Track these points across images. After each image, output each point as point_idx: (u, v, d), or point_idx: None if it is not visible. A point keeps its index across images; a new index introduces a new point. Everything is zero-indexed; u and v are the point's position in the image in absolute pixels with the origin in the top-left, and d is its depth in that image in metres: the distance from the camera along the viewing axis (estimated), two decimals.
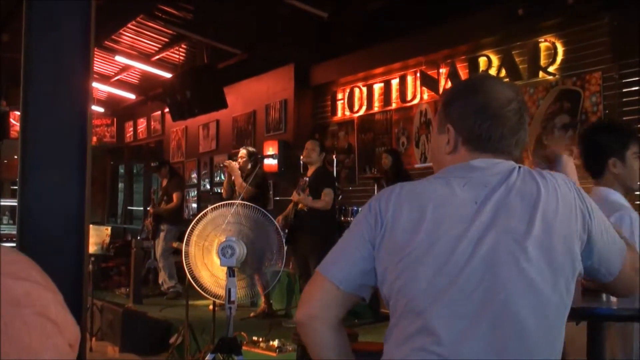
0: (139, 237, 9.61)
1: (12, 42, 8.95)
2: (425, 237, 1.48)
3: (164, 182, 9.41)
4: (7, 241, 8.91)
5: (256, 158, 7.41)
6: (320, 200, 6.53)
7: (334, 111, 10.24)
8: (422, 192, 1.55)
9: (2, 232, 10.58)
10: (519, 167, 1.56)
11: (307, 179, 6.44)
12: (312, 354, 1.63)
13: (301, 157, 6.86)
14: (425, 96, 8.69)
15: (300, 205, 6.57)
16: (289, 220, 6.61)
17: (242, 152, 7.59)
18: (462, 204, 1.50)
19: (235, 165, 7.26)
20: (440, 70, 8.45)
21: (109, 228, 7.66)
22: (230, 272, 3.56)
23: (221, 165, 8.12)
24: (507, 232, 1.45)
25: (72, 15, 2.50)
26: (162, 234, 8.98)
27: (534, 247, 1.44)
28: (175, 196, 9.12)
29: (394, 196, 1.58)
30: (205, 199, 11.89)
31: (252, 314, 7.29)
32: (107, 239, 7.43)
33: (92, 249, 6.94)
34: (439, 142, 1.66)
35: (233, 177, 7.23)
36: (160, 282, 9.11)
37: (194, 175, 13.60)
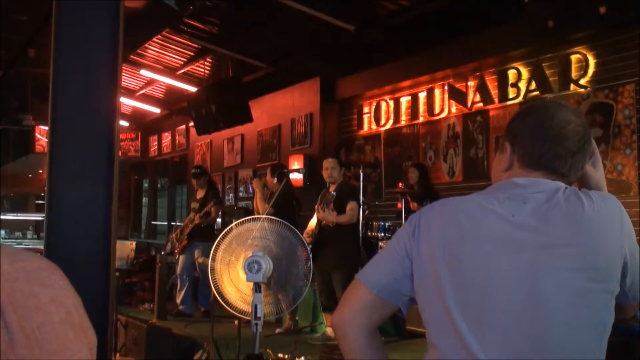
0: (163, 252, 9.63)
1: (38, 57, 9.12)
2: (459, 251, 1.50)
3: (200, 194, 9.09)
4: None
5: (281, 173, 7.36)
6: (344, 215, 6.54)
7: (360, 125, 10.26)
8: (461, 206, 1.58)
9: (26, 246, 10.71)
10: (566, 188, 1.57)
11: (334, 193, 6.44)
12: (345, 358, 1.67)
13: (324, 176, 6.86)
14: (454, 109, 8.68)
15: (324, 221, 6.58)
16: (313, 235, 6.61)
17: (268, 169, 7.68)
18: (499, 220, 1.51)
19: (258, 183, 7.30)
20: (469, 83, 8.44)
21: (134, 243, 7.72)
22: (257, 288, 3.58)
23: (250, 182, 8.10)
24: (545, 248, 1.46)
25: (101, 31, 2.55)
26: (196, 251, 8.58)
27: (574, 265, 1.45)
28: (214, 210, 8.83)
29: (434, 210, 1.63)
30: (230, 214, 11.94)
31: (277, 331, 7.30)
32: (132, 254, 7.48)
33: (116, 263, 7.00)
34: (499, 160, 1.70)
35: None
36: (178, 300, 8.84)
37: (219, 189, 13.68)
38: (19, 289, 0.98)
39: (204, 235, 8.65)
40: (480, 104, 8.27)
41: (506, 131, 1.70)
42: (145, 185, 18.27)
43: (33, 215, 13.42)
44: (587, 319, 1.46)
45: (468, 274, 1.48)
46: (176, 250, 8.93)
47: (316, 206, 6.67)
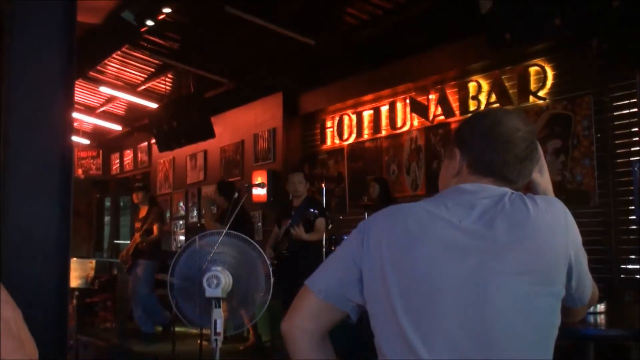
0: (123, 272, 9.54)
1: None
2: (406, 257, 1.52)
3: (143, 212, 9.04)
4: None
5: (230, 192, 7.27)
6: (315, 233, 6.53)
7: (323, 139, 10.30)
8: (409, 213, 1.60)
9: None
10: (512, 193, 1.60)
11: (315, 211, 6.41)
12: None
13: (288, 191, 6.87)
14: (416, 123, 8.76)
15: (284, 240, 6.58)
16: (282, 250, 6.57)
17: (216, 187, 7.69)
18: (446, 225, 1.54)
19: (205, 202, 7.29)
20: (430, 97, 8.53)
21: (94, 261, 7.62)
22: (216, 303, 3.57)
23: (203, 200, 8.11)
24: (491, 253, 1.49)
25: (53, 46, 2.54)
26: (138, 269, 8.63)
27: (519, 269, 1.48)
28: (156, 228, 8.79)
29: (382, 217, 1.65)
30: (193, 231, 11.85)
31: (241, 347, 7.26)
32: (92, 273, 7.39)
33: (76, 282, 6.91)
34: (447, 166, 1.72)
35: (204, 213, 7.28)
36: (136, 320, 8.73)
37: (182, 206, 13.60)
38: None
39: (147, 254, 8.65)
40: (442, 117, 8.36)
41: (455, 137, 1.73)
42: (108, 203, 18.08)
43: None
44: (533, 322, 1.49)
45: (415, 279, 1.50)
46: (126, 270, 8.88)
47: (283, 223, 6.67)
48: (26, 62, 2.55)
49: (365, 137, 9.54)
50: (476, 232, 1.52)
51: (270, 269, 3.82)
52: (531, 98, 7.33)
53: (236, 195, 6.23)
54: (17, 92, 2.57)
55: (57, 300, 2.78)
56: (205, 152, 12.67)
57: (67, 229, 2.77)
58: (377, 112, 9.34)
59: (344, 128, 9.87)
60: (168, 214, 13.59)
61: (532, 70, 7.33)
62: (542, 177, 1.78)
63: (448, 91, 8.29)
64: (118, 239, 17.06)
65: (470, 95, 7.98)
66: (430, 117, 8.50)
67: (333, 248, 7.48)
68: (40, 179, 2.70)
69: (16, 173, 2.69)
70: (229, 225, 6.55)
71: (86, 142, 15.97)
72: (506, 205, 1.55)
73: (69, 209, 2.78)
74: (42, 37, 2.61)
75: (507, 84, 7.59)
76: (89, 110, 13.79)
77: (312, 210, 6.40)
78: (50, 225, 2.71)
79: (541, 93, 7.23)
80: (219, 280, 3.55)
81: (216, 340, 3.48)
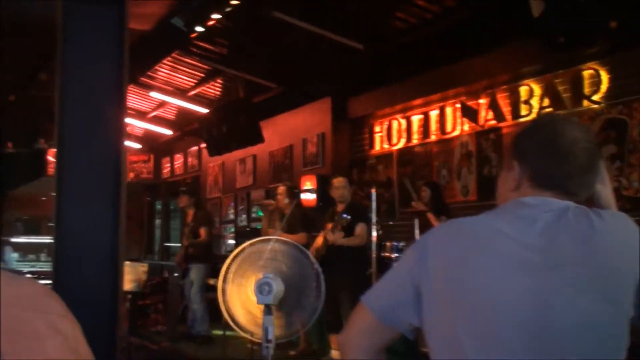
0: (175, 274, 9.65)
1: (50, 81, 9.20)
2: (467, 274, 1.47)
3: (190, 216, 9.13)
4: (44, 278, 9.05)
5: (294, 193, 7.40)
6: (355, 237, 6.53)
7: (372, 144, 10.26)
8: (469, 227, 1.55)
9: (40, 269, 10.75)
10: (575, 207, 1.54)
11: (347, 217, 6.42)
12: None
13: (332, 196, 6.89)
14: (466, 127, 8.66)
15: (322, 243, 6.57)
16: (320, 254, 6.57)
17: (280, 188, 7.67)
18: (508, 240, 1.49)
19: (270, 205, 7.33)
20: (481, 101, 8.43)
21: (146, 265, 7.73)
22: (268, 310, 3.56)
23: (261, 203, 8.12)
24: (554, 269, 1.43)
25: (106, 55, 2.58)
26: (191, 274, 8.77)
27: (584, 286, 1.42)
28: (202, 232, 8.86)
29: (440, 232, 1.61)
30: (242, 235, 11.94)
31: (291, 353, 7.26)
32: (144, 276, 7.50)
33: (128, 286, 7.02)
34: (505, 179, 1.67)
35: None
36: (188, 323, 8.92)
37: (231, 210, 13.69)
38: (12, 316, 0.96)
39: (198, 257, 8.76)
40: (493, 122, 8.25)
41: (513, 148, 1.67)
42: (158, 206, 18.31)
43: (46, 237, 13.45)
44: (599, 343, 1.42)
45: (475, 296, 1.45)
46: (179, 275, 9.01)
47: (326, 227, 6.67)
48: (80, 70, 2.59)
49: (415, 141, 9.47)
50: (538, 247, 1.46)
51: (322, 277, 3.81)
52: (585, 102, 7.18)
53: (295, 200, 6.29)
54: (71, 99, 2.62)
55: (110, 304, 2.82)
56: (255, 157, 12.75)
57: (121, 233, 2.81)
58: (426, 116, 9.27)
59: (393, 133, 9.82)
60: (217, 218, 13.69)
61: (586, 73, 7.18)
62: (605, 188, 1.71)
63: (499, 95, 8.18)
64: (168, 242, 17.27)
65: (522, 99, 7.86)
66: (481, 122, 8.40)
67: (383, 254, 7.44)
68: (94, 184, 2.74)
69: (71, 179, 2.74)
70: (287, 228, 6.64)
71: (138, 146, 16.23)
72: (570, 219, 1.49)
73: (122, 214, 2.81)
74: (95, 45, 2.65)
75: (560, 88, 7.45)
76: (140, 115, 14.00)
77: (344, 215, 6.41)
78: (103, 230, 2.75)
79: (595, 97, 7.08)
80: (271, 287, 3.55)
81: (267, 347, 3.48)
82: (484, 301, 1.44)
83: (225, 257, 9.76)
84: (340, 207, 6.78)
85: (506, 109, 8.08)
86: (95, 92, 2.63)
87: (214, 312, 8.58)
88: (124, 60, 2.59)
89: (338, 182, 6.83)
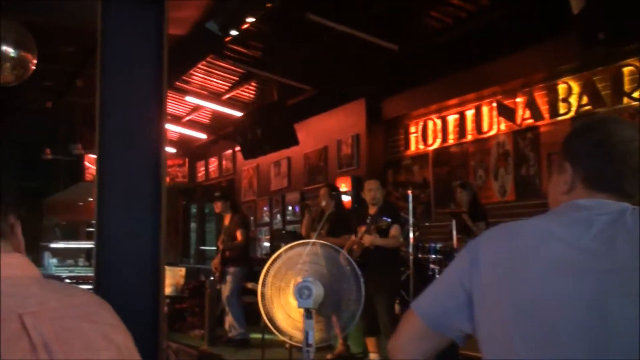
0: (211, 278, 9.67)
1: (86, 88, 9.31)
2: (520, 278, 1.43)
3: (226, 220, 9.12)
4: (82, 283, 9.14)
5: (334, 195, 7.41)
6: (391, 239, 6.52)
7: (407, 145, 10.21)
8: (522, 231, 1.51)
9: (78, 274, 10.86)
10: (633, 208, 1.49)
11: (389, 219, 6.41)
12: None
13: (365, 198, 6.88)
14: (503, 127, 8.57)
15: (355, 245, 6.54)
16: (355, 257, 6.54)
17: (322, 190, 7.70)
18: (562, 244, 1.44)
19: (314, 205, 7.34)
20: (518, 100, 8.33)
21: (184, 269, 7.77)
22: (308, 314, 3.55)
23: (306, 204, 8.13)
24: (612, 273, 1.39)
25: (146, 60, 2.57)
26: (228, 277, 8.75)
27: None
28: (239, 234, 8.82)
29: (493, 236, 1.57)
30: (277, 238, 11.95)
31: (329, 356, 7.24)
32: (182, 280, 7.53)
33: (167, 290, 7.06)
34: (557, 181, 1.62)
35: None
36: (227, 327, 8.92)
37: (266, 213, 13.72)
38: (66, 327, 0.96)
39: (235, 260, 8.75)
40: (530, 121, 8.15)
41: (564, 150, 1.62)
42: (194, 210, 18.43)
43: (84, 242, 13.61)
44: None
45: (530, 302, 1.41)
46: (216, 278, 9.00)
47: (359, 230, 6.67)
48: (120, 74, 2.59)
49: (451, 142, 9.40)
50: (595, 251, 1.41)
51: (362, 280, 3.78)
52: (625, 99, 7.05)
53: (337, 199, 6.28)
54: (111, 104, 2.62)
55: (152, 309, 2.82)
56: (289, 159, 12.76)
57: (161, 238, 2.81)
58: (462, 116, 9.20)
59: (429, 133, 9.76)
60: (252, 221, 13.73)
61: (626, 70, 7.06)
62: None
63: (536, 94, 8.07)
64: (204, 246, 17.38)
65: (560, 97, 7.75)
66: (518, 121, 8.31)
67: (420, 256, 7.40)
68: (134, 189, 2.74)
69: (112, 185, 2.74)
70: (328, 230, 6.64)
71: (173, 150, 16.35)
72: (627, 222, 1.44)
73: (162, 219, 2.81)
74: (135, 48, 2.65)
75: (599, 85, 7.33)
76: (176, 119, 14.11)
77: (384, 218, 6.38)
78: (145, 235, 2.75)
79: (636, 94, 6.95)
80: (311, 291, 3.53)
81: (308, 351, 3.46)
82: (539, 305, 1.40)
83: (261, 260, 9.85)
84: (372, 210, 6.75)
85: (544, 108, 7.98)
86: (135, 96, 2.64)
87: (251, 315, 8.62)
88: (163, 63, 2.59)
89: (370, 184, 6.83)
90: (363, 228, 6.66)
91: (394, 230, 6.54)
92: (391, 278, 6.67)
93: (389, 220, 6.40)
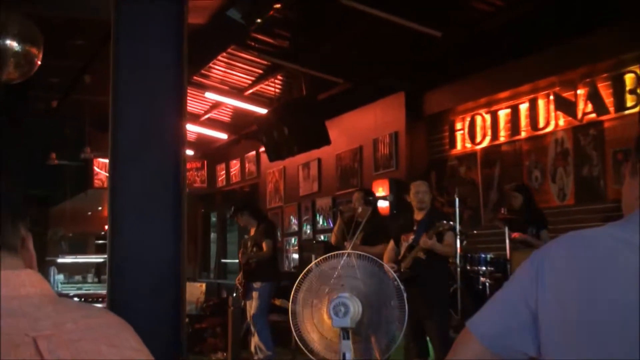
0: (234, 295, 9.69)
1: (95, 84, 9.40)
2: (592, 293, 1.42)
3: (252, 231, 9.10)
4: (92, 301, 9.22)
5: (370, 200, 7.37)
6: (447, 247, 6.48)
7: (452, 143, 10.17)
8: (593, 240, 1.49)
9: (87, 291, 10.99)
10: None
11: (451, 222, 6.39)
12: None
13: (411, 202, 6.83)
14: (561, 122, 8.50)
15: (418, 253, 6.47)
16: (404, 270, 6.50)
17: (356, 194, 7.67)
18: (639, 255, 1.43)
19: (348, 212, 7.34)
20: (578, 92, 8.25)
21: (204, 285, 7.81)
22: (345, 334, 3.55)
23: (339, 209, 8.09)
24: None
25: (164, 52, 2.59)
26: (254, 294, 8.71)
27: None
28: (265, 245, 8.75)
29: (560, 246, 1.54)
30: (307, 249, 11.96)
31: None
32: (202, 297, 7.58)
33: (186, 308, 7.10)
34: (630, 185, 1.60)
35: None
36: (252, 349, 8.88)
37: (294, 221, 13.74)
38: (84, 350, 0.96)
39: (261, 275, 8.72)
40: (593, 115, 8.07)
41: (637, 149, 1.61)
42: (213, 219, 18.52)
43: (93, 257, 13.77)
44: None
45: (607, 321, 1.40)
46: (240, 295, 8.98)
47: (401, 239, 6.65)
48: (135, 71, 2.61)
49: (502, 139, 9.34)
50: None
51: (405, 295, 3.76)
52: None
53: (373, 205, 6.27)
54: (125, 102, 2.65)
55: (173, 329, 2.84)
56: (319, 161, 12.77)
57: (182, 250, 2.83)
58: (515, 110, 9.13)
59: (477, 130, 9.71)
60: (279, 230, 13.76)
61: None
62: None
63: (600, 85, 7.99)
64: (225, 258, 17.44)
65: (627, 88, 7.66)
66: (579, 116, 8.23)
67: (469, 268, 7.35)
68: (152, 197, 2.76)
69: (126, 192, 2.76)
70: (362, 238, 6.62)
71: (190, 152, 16.43)
72: None
73: (183, 229, 2.83)
74: (152, 43, 2.67)
75: None
76: (193, 117, 14.16)
77: (445, 221, 6.32)
78: (164, 248, 2.77)
79: None
80: (347, 308, 3.53)
81: None
82: (614, 322, 1.38)
83: (290, 273, 9.90)
84: (419, 215, 6.69)
85: (608, 100, 7.89)
86: (152, 93, 2.66)
87: (280, 335, 8.62)
88: (183, 56, 2.61)
89: (418, 186, 6.76)
90: (410, 236, 6.61)
91: (449, 237, 6.50)
92: (442, 293, 6.63)
93: (451, 222, 6.36)
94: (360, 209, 7.49)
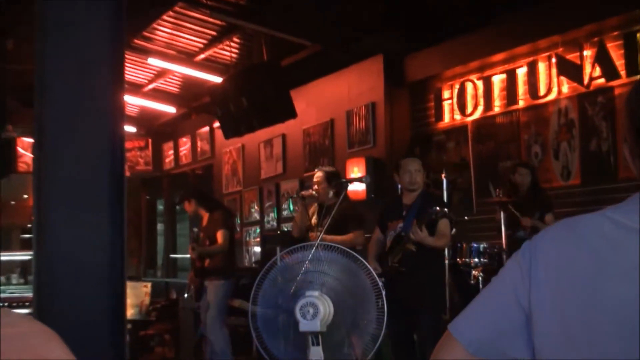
0: (185, 295, 9.67)
1: (18, 51, 9.29)
2: (594, 289, 1.43)
3: (205, 220, 9.03)
4: (17, 307, 9.16)
5: (339, 184, 7.32)
6: (441, 238, 6.39)
7: (439, 115, 10.21)
8: (591, 227, 1.50)
9: (11, 294, 10.89)
10: None
11: (443, 210, 6.27)
12: None
13: (400, 183, 6.76)
14: (565, 89, 8.56)
15: (408, 245, 6.43)
16: (392, 264, 6.47)
17: (318, 174, 7.58)
18: None
19: (310, 196, 7.29)
20: (585, 53, 8.31)
21: (149, 285, 7.79)
22: (314, 340, 3.57)
23: (299, 195, 7.95)
24: None
25: (98, 12, 2.57)
26: (208, 294, 8.66)
27: None
28: (220, 237, 8.66)
29: (553, 235, 1.55)
30: (271, 240, 11.97)
31: None
32: (147, 299, 7.55)
33: (128, 312, 7.07)
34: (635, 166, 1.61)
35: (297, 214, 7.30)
36: (207, 358, 8.84)
37: (256, 208, 13.74)
38: None
39: (216, 272, 8.70)
40: (602, 80, 8.13)
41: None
42: (160, 207, 18.47)
43: (19, 254, 13.63)
44: None
45: (610, 320, 1.42)
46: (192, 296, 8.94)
47: (388, 226, 6.61)
48: (64, 34, 2.58)
49: (497, 110, 9.40)
50: None
51: (383, 293, 3.79)
52: None
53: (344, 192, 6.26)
54: (53, 72, 2.62)
55: (112, 337, 2.83)
56: (284, 137, 12.77)
57: (123, 245, 2.82)
58: (511, 76, 9.18)
59: (467, 99, 9.76)
60: (238, 219, 13.75)
61: None
62: None
63: (609, 45, 8.05)
64: (175, 253, 17.40)
65: None
66: (586, 81, 8.29)
67: (459, 260, 7.40)
68: (85, 183, 2.75)
69: (55, 177, 2.74)
70: (326, 229, 6.58)
71: (132, 129, 16.33)
72: None
73: (123, 221, 2.82)
74: (83, 4, 2.64)
75: None
76: (135, 88, 14.08)
77: (436, 208, 6.22)
78: (100, 242, 2.75)
79: None
80: (317, 309, 3.55)
81: None
82: (621, 325, 1.40)
83: (250, 269, 9.88)
84: (409, 198, 6.64)
85: (619, 63, 7.96)
86: (84, 60, 2.63)
87: (239, 342, 8.63)
88: (121, 16, 2.59)
89: (409, 163, 6.65)
90: (397, 224, 6.56)
91: (444, 226, 6.41)
92: (437, 291, 6.62)
93: (445, 210, 6.24)
94: (319, 192, 7.42)
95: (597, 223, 1.50)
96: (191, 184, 14.51)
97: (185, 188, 9.80)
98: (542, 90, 8.80)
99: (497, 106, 9.41)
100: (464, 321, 1.62)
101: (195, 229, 9.12)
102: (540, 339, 1.50)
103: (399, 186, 6.93)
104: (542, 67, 8.83)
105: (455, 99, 9.95)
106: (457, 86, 9.91)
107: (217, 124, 12.71)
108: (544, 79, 8.79)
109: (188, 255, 10.15)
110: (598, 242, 1.46)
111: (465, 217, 9.09)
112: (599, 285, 1.43)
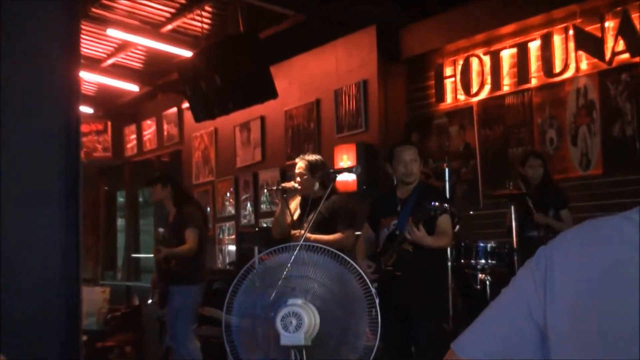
0: (149, 302, 9.64)
1: None
2: (617, 302, 1.44)
3: (171, 215, 8.99)
4: None
5: (327, 173, 7.31)
6: (441, 237, 6.36)
7: (440, 95, 10.23)
8: (613, 231, 1.51)
9: None
10: None
11: (443, 205, 6.22)
12: None
13: (394, 173, 6.75)
14: (584, 65, 8.58)
15: (403, 245, 6.43)
16: (385, 266, 6.47)
17: (299, 165, 7.56)
18: None
19: (291, 189, 7.29)
20: (606, 24, 8.34)
21: (107, 289, 7.78)
22: (297, 355, 3.57)
23: (276, 187, 7.90)
24: None
25: None
26: (175, 300, 8.64)
27: None
28: (188, 236, 8.63)
29: (570, 241, 1.56)
30: (248, 239, 11.97)
31: None
32: (105, 306, 7.55)
33: (82, 321, 7.07)
34: None
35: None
36: None
37: (230, 201, 13.73)
38: None
39: (184, 275, 8.65)
40: (626, 55, 8.16)
41: None
42: (121, 199, 18.44)
43: None
44: None
45: (632, 334, 1.43)
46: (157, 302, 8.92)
47: (382, 223, 6.61)
48: (13, 4, 2.57)
49: (506, 89, 9.42)
50: None
51: (377, 300, 3.80)
52: None
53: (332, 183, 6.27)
54: (2, 46, 2.60)
55: (64, 352, 2.83)
56: (263, 120, 12.78)
57: (77, 245, 2.82)
58: (522, 50, 9.21)
59: (472, 77, 9.78)
60: (209, 214, 13.74)
61: None
62: None
63: (634, 15, 8.08)
64: (137, 252, 17.37)
65: None
66: (607, 56, 8.32)
67: (463, 261, 7.41)
68: (34, 173, 2.74)
69: (5, 165, 2.74)
70: (311, 226, 6.58)
71: (88, 110, 16.30)
72: None
73: (77, 217, 2.82)
74: None
75: None
76: (92, 63, 14.04)
77: (435, 202, 6.19)
78: (52, 242, 2.75)
79: None
80: (301, 320, 3.55)
81: None
82: (620, 340, 1.41)
83: (223, 272, 9.88)
84: (403, 192, 6.65)
85: None
86: (33, 32, 2.62)
87: (210, 355, 8.64)
88: None
89: (404, 151, 6.63)
90: (391, 220, 6.56)
91: (443, 223, 6.39)
92: (438, 297, 6.62)
93: (446, 205, 6.20)
94: (299, 184, 7.40)
95: (617, 226, 1.51)
96: (170, 167, 14.46)
97: (162, 171, 9.66)
98: (558, 66, 8.82)
99: (507, 85, 9.43)
100: (469, 338, 1.63)
101: (161, 229, 9.06)
102: (556, 353, 1.50)
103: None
104: (557, 40, 8.85)
105: (458, 77, 9.97)
106: (460, 62, 9.93)
107: (186, 105, 12.68)
108: (560, 54, 8.81)
109: (152, 255, 10.11)
110: (619, 248, 1.47)
111: (471, 212, 9.11)
112: (620, 296, 1.43)
